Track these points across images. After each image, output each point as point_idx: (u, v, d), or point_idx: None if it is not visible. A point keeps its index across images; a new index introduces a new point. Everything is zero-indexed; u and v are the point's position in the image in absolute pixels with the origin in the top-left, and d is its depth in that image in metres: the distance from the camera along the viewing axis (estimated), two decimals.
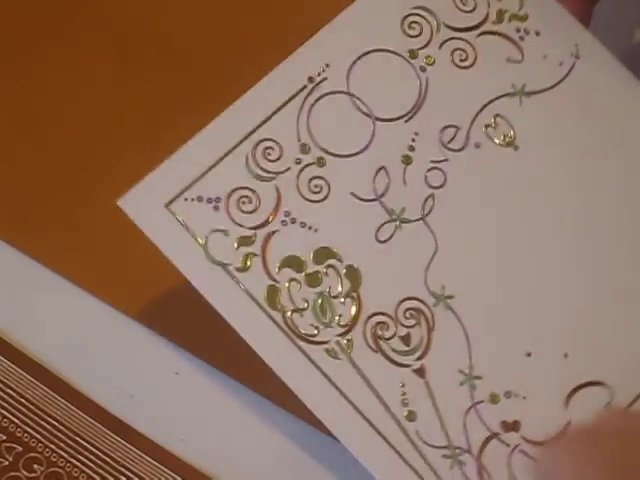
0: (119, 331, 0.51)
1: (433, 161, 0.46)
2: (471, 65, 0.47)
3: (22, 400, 0.48)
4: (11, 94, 0.56)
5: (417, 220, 0.45)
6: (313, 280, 0.44)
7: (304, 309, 0.44)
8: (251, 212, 0.44)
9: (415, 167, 0.46)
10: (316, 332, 0.44)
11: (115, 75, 0.56)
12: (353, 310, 0.44)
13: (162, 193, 0.44)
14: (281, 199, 0.44)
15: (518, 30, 0.48)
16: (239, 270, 0.44)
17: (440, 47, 0.47)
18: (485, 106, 0.47)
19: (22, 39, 0.57)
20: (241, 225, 0.44)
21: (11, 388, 0.49)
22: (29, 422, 0.48)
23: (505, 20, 0.47)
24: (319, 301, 0.44)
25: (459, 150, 0.46)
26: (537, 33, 0.48)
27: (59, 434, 0.48)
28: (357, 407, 0.44)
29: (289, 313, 0.44)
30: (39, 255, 0.52)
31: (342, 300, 0.44)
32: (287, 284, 0.44)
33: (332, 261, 0.44)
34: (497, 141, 0.46)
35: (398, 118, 0.46)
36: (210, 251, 0.44)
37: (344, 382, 0.44)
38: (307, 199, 0.45)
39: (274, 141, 0.45)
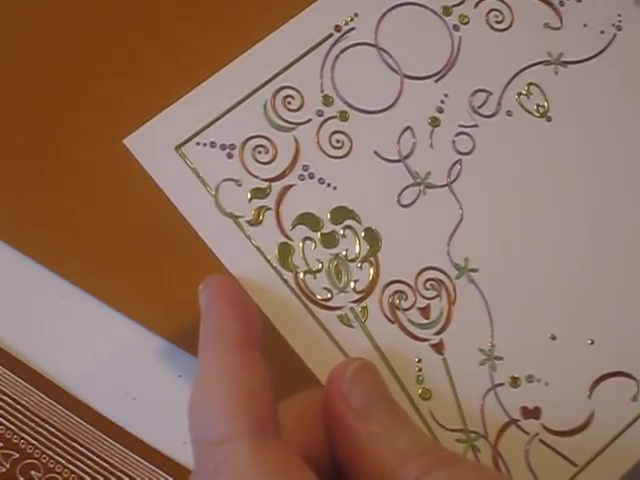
0: (120, 333, 0.50)
1: (462, 125, 0.43)
2: (507, 28, 0.44)
3: (18, 407, 0.48)
4: (10, 93, 0.54)
5: (442, 186, 0.42)
6: (329, 240, 0.41)
7: (318, 271, 0.40)
8: (267, 163, 0.41)
9: (443, 130, 0.43)
10: (329, 296, 0.40)
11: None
12: (370, 276, 0.41)
13: (173, 134, 0.40)
14: (300, 152, 0.41)
15: None
16: (250, 224, 0.40)
17: (476, 6, 0.44)
18: (519, 72, 0.44)
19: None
20: (256, 176, 0.41)
21: (7, 395, 0.48)
22: (26, 429, 0.48)
23: None
24: (334, 263, 0.41)
25: (490, 116, 0.43)
26: None
27: (56, 440, 0.48)
28: None
29: (301, 274, 0.40)
30: (36, 255, 0.51)
31: (359, 264, 0.41)
32: (301, 243, 0.40)
33: (350, 222, 0.41)
34: (530, 110, 0.44)
35: (428, 77, 0.43)
36: (221, 201, 0.40)
37: (356, 352, 0.40)
38: (327, 154, 0.41)
39: (295, 90, 0.42)
